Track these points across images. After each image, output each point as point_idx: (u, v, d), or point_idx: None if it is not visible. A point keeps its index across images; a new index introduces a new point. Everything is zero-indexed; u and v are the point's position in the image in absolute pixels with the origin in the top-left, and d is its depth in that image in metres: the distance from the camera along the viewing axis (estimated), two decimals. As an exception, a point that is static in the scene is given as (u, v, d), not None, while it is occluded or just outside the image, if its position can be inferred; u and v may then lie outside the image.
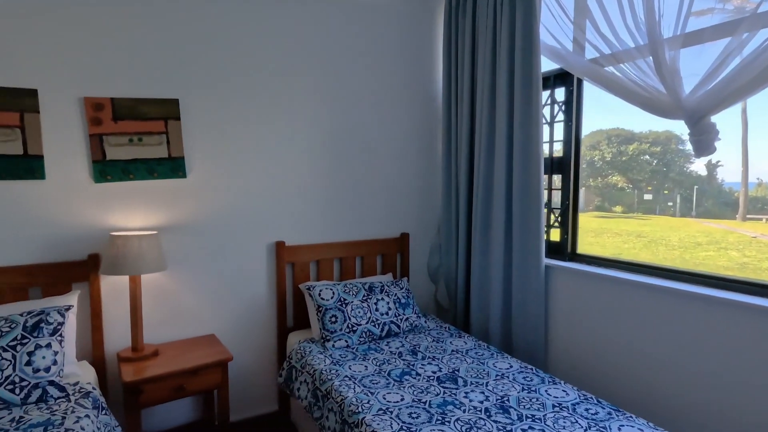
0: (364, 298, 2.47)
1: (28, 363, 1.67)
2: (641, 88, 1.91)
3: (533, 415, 1.66)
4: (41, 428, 1.48)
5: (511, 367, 2.07)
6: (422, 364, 2.11)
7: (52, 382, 1.70)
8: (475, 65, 2.73)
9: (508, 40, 2.41)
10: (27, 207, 1.99)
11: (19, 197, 1.97)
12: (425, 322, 2.65)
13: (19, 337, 1.70)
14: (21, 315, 1.77)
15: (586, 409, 1.70)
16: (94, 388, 1.80)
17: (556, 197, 2.58)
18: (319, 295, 2.41)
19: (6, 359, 1.64)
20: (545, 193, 2.50)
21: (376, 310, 2.45)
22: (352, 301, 2.43)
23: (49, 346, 1.74)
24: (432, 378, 1.97)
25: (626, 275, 2.15)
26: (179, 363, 2.03)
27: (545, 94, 2.53)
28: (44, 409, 1.61)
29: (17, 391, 1.63)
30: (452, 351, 2.26)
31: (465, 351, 2.26)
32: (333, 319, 2.34)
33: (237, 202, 2.46)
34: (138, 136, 2.17)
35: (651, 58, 1.83)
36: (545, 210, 2.54)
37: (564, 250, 2.50)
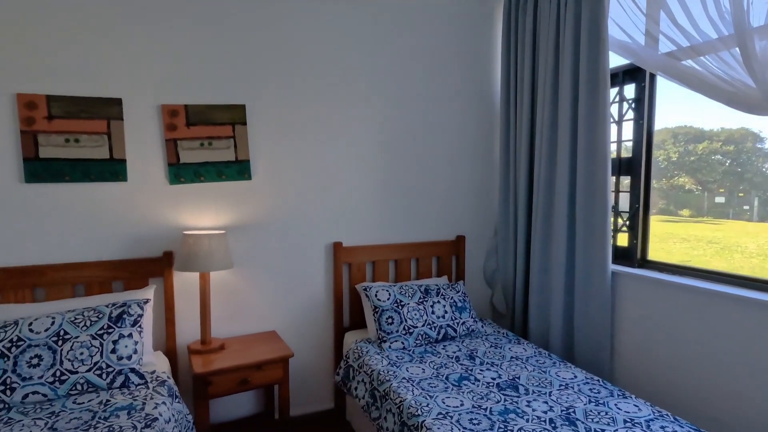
0: (420, 300, 2.46)
1: (113, 351, 1.81)
2: (725, 83, 1.77)
3: (602, 430, 1.58)
4: (125, 411, 1.60)
5: (576, 377, 1.99)
6: (480, 370, 2.07)
7: (133, 370, 1.83)
8: (536, 64, 2.65)
9: (572, 37, 2.32)
10: (111, 207, 2.16)
11: (105, 198, 2.15)
12: (482, 326, 2.60)
13: (105, 327, 1.84)
14: (106, 306, 1.93)
15: (662, 427, 1.59)
16: (168, 377, 1.92)
17: (623, 200, 2.44)
18: (376, 296, 2.43)
19: (95, 346, 1.79)
20: (612, 195, 2.37)
21: (432, 312, 2.44)
22: (408, 303, 2.43)
23: (130, 336, 1.88)
24: (491, 384, 1.93)
25: (705, 284, 2.00)
26: (244, 357, 2.12)
27: (612, 92, 2.41)
28: (126, 394, 1.73)
29: (104, 376, 1.77)
30: (511, 357, 2.20)
31: (525, 358, 2.19)
32: (389, 321, 2.35)
33: (297, 203, 2.54)
34: (208, 141, 2.30)
35: (737, 49, 1.69)
36: (612, 213, 2.41)
37: (633, 256, 2.37)
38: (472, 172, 3.02)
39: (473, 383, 1.94)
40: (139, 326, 1.94)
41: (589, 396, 1.82)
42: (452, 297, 2.55)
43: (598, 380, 1.96)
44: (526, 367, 2.09)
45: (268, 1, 2.38)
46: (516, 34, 2.77)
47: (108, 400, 1.68)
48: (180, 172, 2.26)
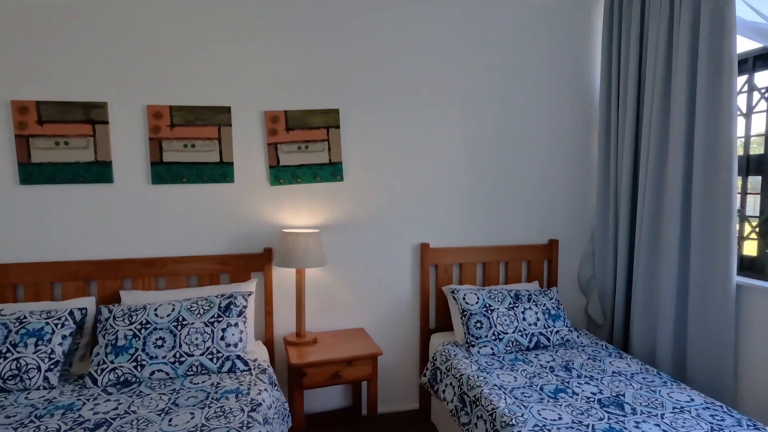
0: (511, 305, 2.38)
1: (222, 338, 1.98)
2: None
3: (730, 462, 1.40)
4: (234, 395, 1.74)
5: (693, 400, 1.78)
6: (578, 383, 1.94)
7: (239, 357, 1.98)
8: (643, 55, 2.43)
9: (690, 21, 2.09)
10: (220, 206, 2.36)
11: (215, 198, 2.35)
12: (577, 337, 2.44)
13: (216, 315, 2.02)
14: (216, 297, 2.11)
15: (808, 467, 1.37)
16: (268, 366, 2.06)
17: (752, 203, 2.15)
18: (464, 299, 2.39)
19: (207, 333, 1.97)
20: (738, 198, 2.10)
21: (524, 319, 2.34)
22: (498, 308, 2.35)
23: (236, 325, 2.04)
24: (592, 400, 1.80)
25: None
26: (336, 352, 2.20)
27: (740, 80, 2.13)
28: (233, 379, 1.88)
29: (214, 360, 1.94)
30: (613, 372, 2.04)
31: (629, 374, 2.02)
32: (478, 325, 2.30)
33: (386, 204, 2.58)
34: (305, 144, 2.42)
35: None
36: (737, 218, 2.13)
37: (763, 267, 2.07)
38: (566, 173, 2.85)
39: (571, 396, 1.82)
40: (244, 317, 2.10)
41: (711, 423, 1.62)
42: (545, 304, 2.43)
43: (721, 406, 1.74)
44: (631, 384, 1.92)
45: (360, 10, 2.45)
46: (620, 25, 2.56)
47: (218, 383, 1.84)
48: (279, 174, 2.41)
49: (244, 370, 1.96)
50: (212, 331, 1.98)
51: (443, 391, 2.17)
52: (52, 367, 1.82)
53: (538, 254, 2.79)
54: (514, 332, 2.30)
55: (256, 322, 2.42)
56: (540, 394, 1.84)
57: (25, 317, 1.89)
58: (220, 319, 2.01)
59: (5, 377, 1.75)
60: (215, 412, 1.60)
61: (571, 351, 2.29)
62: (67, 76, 2.13)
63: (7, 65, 2.06)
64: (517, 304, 2.39)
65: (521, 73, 2.72)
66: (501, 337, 2.28)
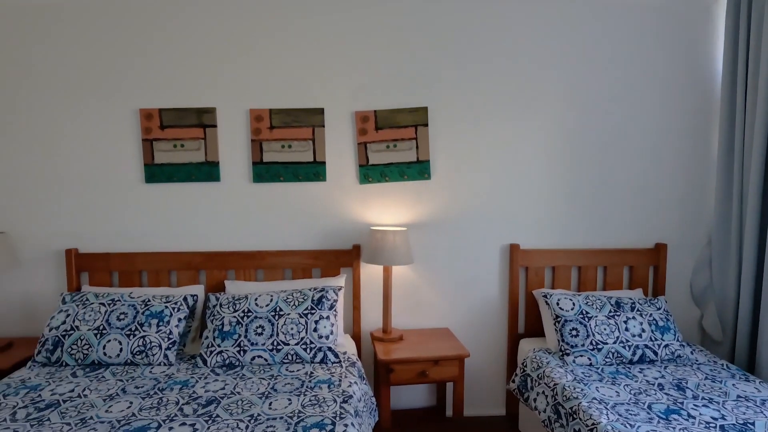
0: (611, 314, 2.20)
1: (315, 330, 2.07)
2: None
3: None
4: (326, 385, 1.81)
5: None
6: (695, 405, 1.73)
7: (330, 349, 2.06)
8: (781, 32, 2.10)
9: None
10: (313, 203, 2.47)
11: (308, 195, 2.47)
12: (691, 353, 2.19)
13: (309, 308, 2.12)
14: (309, 290, 2.21)
15: None
16: (357, 359, 2.11)
17: None
18: (557, 304, 2.26)
19: (301, 323, 2.07)
20: None
21: (626, 330, 2.15)
22: (596, 316, 2.19)
23: (328, 318, 2.12)
24: (713, 425, 1.60)
25: None
26: (423, 350, 2.20)
27: None
28: (325, 370, 1.96)
29: (308, 351, 2.03)
30: (737, 396, 1.80)
31: (759, 401, 1.76)
32: (574, 333, 2.15)
33: (474, 202, 2.52)
34: (393, 143, 2.45)
35: None
36: None
37: None
38: (677, 171, 2.57)
39: (686, 419, 1.63)
40: (335, 310, 2.17)
41: None
42: (651, 314, 2.21)
43: None
44: (762, 413, 1.68)
45: (450, 8, 2.41)
46: (749, 7, 2.24)
47: (311, 372, 1.93)
48: (368, 172, 2.46)
49: (334, 362, 2.04)
50: (306, 323, 2.07)
51: (534, 400, 2.07)
52: (170, 346, 2.03)
53: (643, 259, 2.55)
54: (614, 343, 2.12)
55: (344, 316, 2.50)
56: (648, 414, 1.67)
57: (149, 300, 2.13)
58: (313, 311, 2.11)
59: (134, 352, 1.99)
60: (310, 400, 1.68)
61: (683, 368, 2.06)
62: (183, 85, 2.36)
63: (135, 78, 2.34)
64: (618, 313, 2.20)
65: (625, 66, 2.50)
66: (600, 347, 2.11)
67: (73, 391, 1.75)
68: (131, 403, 1.66)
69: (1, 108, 2.33)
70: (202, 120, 2.37)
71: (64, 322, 2.04)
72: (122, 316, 2.05)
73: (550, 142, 2.52)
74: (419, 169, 2.47)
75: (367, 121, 2.43)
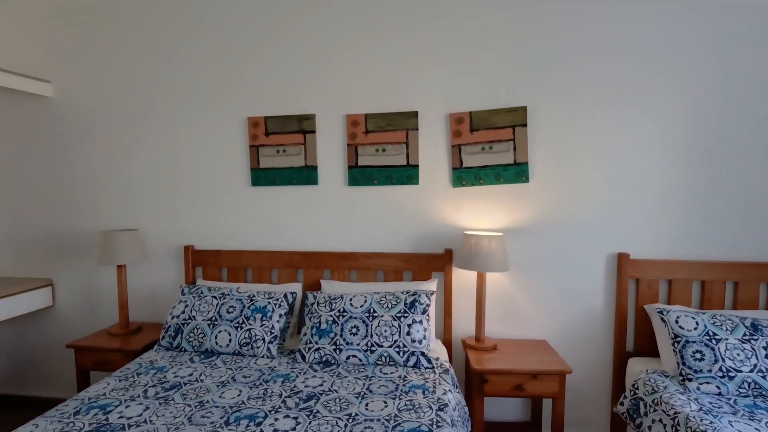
0: (746, 337, 1.91)
1: (408, 333, 2.06)
2: None
3: None
4: (420, 390, 1.79)
5: None
6: None
7: (423, 353, 2.04)
8: None
9: None
10: (405, 206, 2.47)
11: (401, 198, 2.47)
12: None
13: (402, 311, 2.12)
14: (402, 293, 2.21)
15: None
16: (450, 367, 2.06)
17: None
18: (677, 322, 2.01)
19: (395, 326, 2.07)
20: None
21: (766, 357, 1.85)
22: (727, 339, 1.91)
23: (420, 322, 2.10)
24: None
25: None
26: (519, 363, 2.09)
27: None
28: (418, 375, 1.94)
29: (401, 354, 2.03)
30: None
31: None
32: (697, 356, 1.90)
33: (576, 207, 2.35)
34: (489, 145, 2.36)
35: None
36: None
37: None
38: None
39: None
40: (427, 315, 2.15)
41: None
42: (800, 341, 1.88)
43: None
44: None
45: (550, 5, 2.28)
46: None
47: (405, 376, 1.92)
48: (462, 175, 2.40)
49: (427, 368, 2.01)
50: (399, 326, 2.07)
51: (649, 428, 1.86)
52: (272, 340, 2.15)
53: (786, 276, 2.19)
54: (751, 371, 1.83)
55: (436, 321, 2.46)
56: (801, 459, 1.42)
57: (254, 296, 2.28)
58: (405, 314, 2.10)
59: (241, 343, 2.14)
60: (405, 405, 1.67)
61: None
62: (286, 94, 2.50)
63: (244, 89, 2.53)
64: (755, 336, 1.91)
65: (752, 55, 2.16)
66: (732, 375, 1.84)
67: (191, 375, 1.92)
68: (240, 391, 1.78)
69: (136, 121, 2.65)
70: (303, 126, 2.49)
71: (183, 312, 2.26)
72: (231, 309, 2.22)
73: (665, 142, 2.26)
74: (516, 172, 2.36)
75: (461, 123, 2.38)
